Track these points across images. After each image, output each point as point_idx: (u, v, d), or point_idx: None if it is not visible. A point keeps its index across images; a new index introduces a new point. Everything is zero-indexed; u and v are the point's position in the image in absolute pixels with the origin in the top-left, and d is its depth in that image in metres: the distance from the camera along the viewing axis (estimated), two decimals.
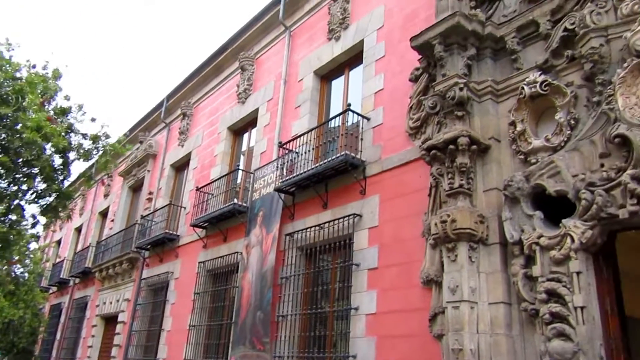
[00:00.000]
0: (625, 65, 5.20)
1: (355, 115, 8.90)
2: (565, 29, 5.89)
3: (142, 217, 15.98)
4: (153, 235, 14.71)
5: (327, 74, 10.86)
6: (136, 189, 18.95)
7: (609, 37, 5.49)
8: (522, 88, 6.05)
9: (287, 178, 9.63)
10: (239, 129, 13.71)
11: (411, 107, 7.98)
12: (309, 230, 9.16)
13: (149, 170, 17.69)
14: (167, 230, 14.35)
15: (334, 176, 8.95)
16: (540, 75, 5.97)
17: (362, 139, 8.80)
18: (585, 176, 5.28)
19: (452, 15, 6.52)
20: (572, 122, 5.69)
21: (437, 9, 6.95)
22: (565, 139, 5.68)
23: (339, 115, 9.25)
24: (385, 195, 8.05)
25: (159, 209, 15.23)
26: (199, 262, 12.52)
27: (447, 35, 6.62)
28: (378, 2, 9.67)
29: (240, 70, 13.57)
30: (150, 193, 16.80)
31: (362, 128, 8.88)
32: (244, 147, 13.54)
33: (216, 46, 15.48)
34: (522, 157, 6.05)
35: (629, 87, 5.17)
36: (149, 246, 15.17)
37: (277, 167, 10.32)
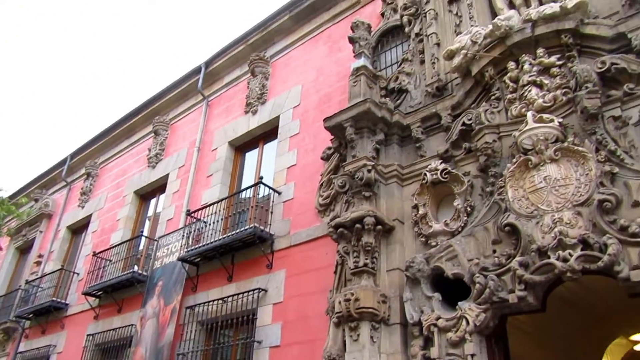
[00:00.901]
0: (514, 160, 5.74)
1: (267, 188, 8.95)
2: (464, 124, 6.43)
3: (27, 282, 14.56)
4: (37, 303, 13.38)
5: (242, 146, 10.95)
6: (24, 250, 17.36)
7: (500, 134, 6.06)
8: (425, 174, 6.43)
9: (193, 248, 9.31)
10: (147, 194, 13.24)
11: (321, 185, 8.18)
12: (211, 303, 8.78)
13: (41, 231, 16.38)
14: (54, 298, 13.11)
15: (241, 248, 8.79)
16: (441, 163, 6.40)
17: (272, 213, 8.80)
18: (480, 261, 5.59)
19: (364, 102, 6.92)
20: (469, 209, 6.09)
21: (351, 94, 7.36)
22: (462, 225, 6.04)
23: (250, 187, 9.24)
24: (291, 270, 7.99)
25: (48, 274, 13.99)
26: (88, 335, 11.46)
27: (358, 120, 6.99)
28: (296, 82, 10.08)
29: (153, 134, 13.32)
30: (40, 256, 15.46)
31: (273, 201, 8.91)
32: (150, 213, 13.02)
33: (130, 108, 15.19)
34: (423, 239, 6.32)
35: (517, 181, 5.67)
36: (31, 315, 13.73)
37: (183, 235, 9.97)
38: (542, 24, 6.12)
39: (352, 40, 8.02)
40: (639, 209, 4.89)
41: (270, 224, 8.67)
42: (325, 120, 7.45)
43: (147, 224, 12.81)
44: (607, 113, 5.45)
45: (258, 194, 9.20)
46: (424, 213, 6.38)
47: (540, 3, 6.58)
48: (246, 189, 9.42)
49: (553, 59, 6.00)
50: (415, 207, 6.51)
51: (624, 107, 5.43)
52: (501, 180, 5.75)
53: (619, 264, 4.73)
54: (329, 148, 8.22)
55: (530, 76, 6.01)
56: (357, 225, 6.38)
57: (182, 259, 9.50)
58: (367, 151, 6.88)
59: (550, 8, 6.13)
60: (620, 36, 5.68)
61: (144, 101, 14.05)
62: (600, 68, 5.57)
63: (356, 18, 8.39)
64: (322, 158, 8.40)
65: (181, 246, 9.90)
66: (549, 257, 5.03)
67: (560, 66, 5.96)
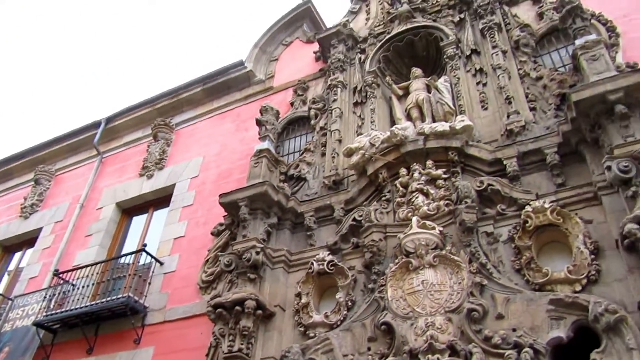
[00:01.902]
0: (396, 261, 5.99)
1: (149, 257, 8.49)
2: (355, 219, 6.68)
3: None
4: None
5: (130, 209, 10.45)
6: None
7: (387, 234, 6.35)
8: (312, 263, 6.49)
9: (54, 312, 8.42)
10: (12, 246, 11.96)
11: (207, 261, 7.94)
12: None
13: None
14: None
15: (109, 318, 8.10)
16: (328, 255, 6.52)
17: (150, 284, 8.30)
18: (354, 357, 5.59)
19: (262, 184, 7.01)
20: (350, 303, 6.17)
21: (250, 174, 7.43)
22: (342, 318, 6.08)
23: (131, 253, 8.72)
24: (161, 348, 7.45)
25: None
26: None
27: (254, 200, 7.02)
28: (198, 153, 10.01)
29: (33, 182, 12.32)
30: None
31: (153, 272, 8.45)
32: (12, 267, 11.71)
33: (10, 151, 14.03)
34: (302, 329, 6.24)
35: (397, 281, 5.88)
36: None
37: (46, 297, 9.02)
38: (432, 139, 6.72)
39: (259, 123, 8.23)
40: (503, 322, 5.22)
41: (146, 296, 8.14)
42: (221, 195, 7.38)
43: (5, 278, 11.47)
44: (482, 228, 5.94)
45: (139, 262, 8.69)
46: (307, 302, 6.36)
47: (433, 120, 7.27)
48: (126, 254, 8.87)
49: (440, 171, 6.54)
50: (299, 295, 6.48)
51: (496, 225, 5.96)
52: (383, 279, 5.94)
53: None
54: (221, 224, 8.09)
55: (418, 184, 6.47)
56: (237, 307, 6.20)
57: (37, 324, 8.51)
58: (258, 233, 6.85)
59: (441, 126, 6.78)
60: (498, 161, 6.36)
61: (31, 147, 13.10)
62: (479, 187, 6.14)
63: (266, 103, 8.69)
64: (212, 233, 8.22)
65: (40, 309, 8.91)
66: None
67: (445, 179, 6.49)
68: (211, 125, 10.40)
